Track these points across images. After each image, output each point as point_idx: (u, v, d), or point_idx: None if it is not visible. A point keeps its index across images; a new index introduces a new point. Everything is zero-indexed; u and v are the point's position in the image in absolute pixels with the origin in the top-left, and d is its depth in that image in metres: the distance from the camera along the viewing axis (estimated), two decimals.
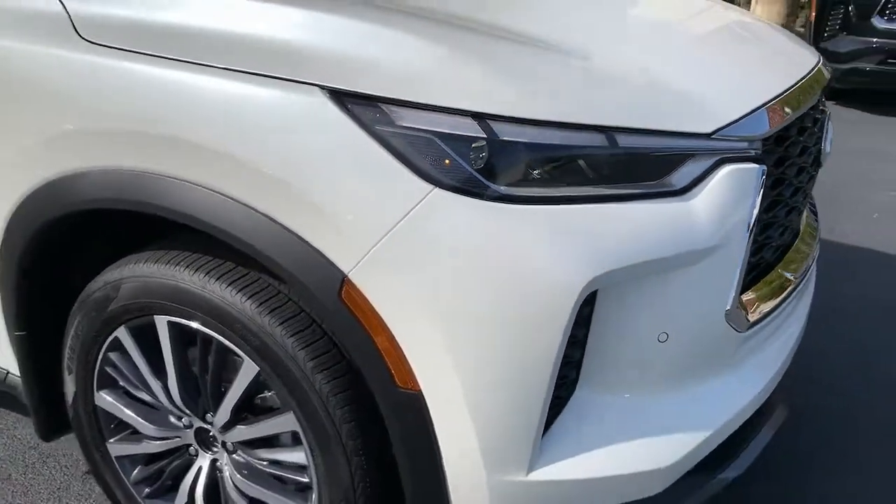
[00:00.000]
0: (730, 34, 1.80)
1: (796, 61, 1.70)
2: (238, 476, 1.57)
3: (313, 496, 1.48)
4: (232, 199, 1.30)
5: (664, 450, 1.40)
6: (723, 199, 1.33)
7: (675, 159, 1.31)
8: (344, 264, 1.26)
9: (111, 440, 1.71)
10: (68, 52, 1.40)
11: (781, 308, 1.59)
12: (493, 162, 1.22)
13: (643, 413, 1.40)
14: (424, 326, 1.25)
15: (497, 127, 1.22)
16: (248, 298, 1.39)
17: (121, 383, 1.65)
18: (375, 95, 1.23)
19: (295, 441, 1.50)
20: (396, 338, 1.27)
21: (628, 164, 1.29)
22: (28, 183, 1.49)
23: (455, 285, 1.23)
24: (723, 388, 1.47)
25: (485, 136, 1.21)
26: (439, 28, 1.37)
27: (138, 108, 1.33)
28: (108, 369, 1.63)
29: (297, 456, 1.48)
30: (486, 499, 1.34)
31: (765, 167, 1.38)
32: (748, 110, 1.40)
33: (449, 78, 1.24)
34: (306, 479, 1.49)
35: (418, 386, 1.29)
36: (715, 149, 1.33)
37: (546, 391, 1.27)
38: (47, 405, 1.79)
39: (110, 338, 1.58)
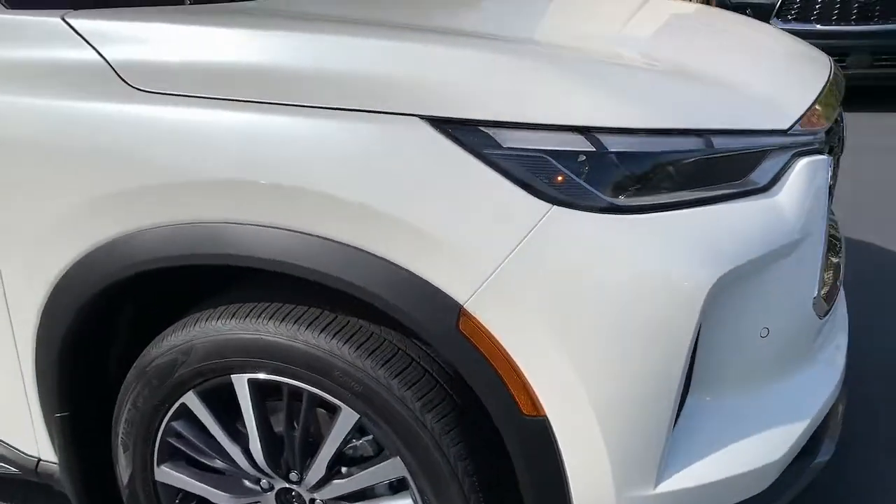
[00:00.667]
0: (755, 36, 1.87)
1: (818, 58, 1.78)
2: None
3: None
4: (334, 240, 1.24)
5: (772, 444, 1.41)
6: (803, 191, 1.37)
7: (756, 157, 1.34)
8: (460, 294, 1.22)
9: None
10: (120, 103, 1.32)
11: (838, 293, 1.65)
12: (603, 174, 1.22)
13: (749, 410, 1.41)
14: (548, 348, 1.23)
15: (604, 139, 1.21)
16: (345, 343, 1.33)
17: (187, 453, 1.54)
18: (479, 119, 1.21)
19: (394, 488, 1.44)
20: (518, 364, 1.24)
21: (720, 166, 1.31)
22: (79, 247, 1.38)
23: (578, 303, 1.21)
24: (812, 377, 1.50)
25: (594, 149, 1.21)
26: (528, 49, 1.36)
27: (220, 157, 1.26)
28: (172, 440, 1.52)
29: (402, 503, 1.42)
30: None
31: (831, 157, 1.43)
32: (808, 105, 1.45)
33: (550, 95, 1.24)
34: None
35: (544, 411, 1.26)
36: (790, 144, 1.37)
37: (674, 401, 1.27)
38: (91, 490, 1.65)
39: (176, 405, 1.47)
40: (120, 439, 1.54)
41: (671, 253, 1.22)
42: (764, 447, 1.40)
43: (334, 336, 1.34)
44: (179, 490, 1.59)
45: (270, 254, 1.26)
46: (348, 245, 1.24)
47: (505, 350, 1.23)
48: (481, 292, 1.21)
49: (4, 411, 1.65)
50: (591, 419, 1.25)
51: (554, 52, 1.37)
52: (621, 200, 1.22)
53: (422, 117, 1.21)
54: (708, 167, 1.30)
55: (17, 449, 1.69)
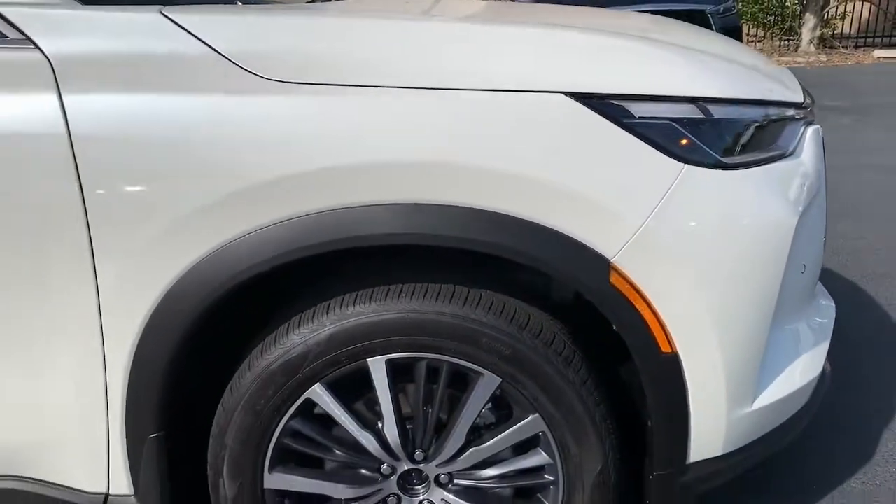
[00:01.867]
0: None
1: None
2: None
3: (558, 490, 1.51)
4: (496, 212, 1.33)
5: (814, 360, 1.71)
6: (814, 153, 1.68)
7: (781, 125, 1.64)
8: (608, 251, 1.37)
9: None
10: (256, 95, 1.31)
11: None
12: (711, 137, 1.43)
13: (796, 335, 1.70)
14: (683, 292, 1.41)
15: (710, 108, 1.43)
16: (488, 311, 1.42)
17: (299, 454, 1.51)
18: (611, 94, 1.37)
19: (517, 450, 1.53)
20: (657, 308, 1.41)
21: (765, 132, 1.58)
22: (208, 244, 1.34)
23: (708, 248, 1.41)
24: (822, 305, 1.84)
25: (703, 116, 1.42)
26: (639, 36, 1.55)
27: (382, 141, 1.31)
28: (287, 440, 1.49)
29: (534, 459, 1.52)
30: (721, 434, 1.52)
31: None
32: (797, 82, 1.78)
33: (664, 72, 1.43)
34: (547, 478, 1.52)
35: (676, 348, 1.44)
36: (803, 115, 1.69)
37: (769, 327, 1.51)
38: None
39: (298, 402, 1.45)
40: (228, 450, 1.47)
41: (769, 199, 1.47)
42: (811, 363, 1.70)
43: (476, 306, 1.42)
44: (285, 496, 1.55)
45: (442, 230, 1.33)
46: (510, 215, 1.34)
47: (647, 297, 1.40)
48: (628, 247, 1.37)
49: (66, 447, 1.50)
50: (714, 352, 1.45)
51: (653, 42, 1.57)
52: (726, 159, 1.44)
53: (566, 94, 1.35)
54: (762, 133, 1.57)
55: (76, 489, 1.54)
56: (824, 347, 1.75)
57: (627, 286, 1.39)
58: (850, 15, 13.87)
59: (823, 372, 1.79)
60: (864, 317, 2.99)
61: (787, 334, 1.66)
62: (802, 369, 1.68)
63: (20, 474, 1.54)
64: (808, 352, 1.71)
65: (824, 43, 13.15)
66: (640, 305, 1.40)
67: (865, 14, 13.99)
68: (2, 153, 1.31)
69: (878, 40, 13.83)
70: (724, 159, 1.43)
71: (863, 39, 13.87)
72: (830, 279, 3.17)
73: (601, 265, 1.37)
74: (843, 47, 13.21)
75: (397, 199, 1.32)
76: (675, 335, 1.43)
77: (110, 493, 1.53)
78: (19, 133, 1.31)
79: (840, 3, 13.87)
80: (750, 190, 1.45)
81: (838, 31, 13.87)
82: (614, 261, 1.37)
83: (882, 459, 2.16)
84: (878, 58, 12.57)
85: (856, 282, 3.32)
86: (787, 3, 13.42)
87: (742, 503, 1.99)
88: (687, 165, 1.38)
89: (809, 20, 12.85)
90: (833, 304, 1.89)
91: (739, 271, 1.44)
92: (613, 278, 1.38)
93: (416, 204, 1.32)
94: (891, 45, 13.65)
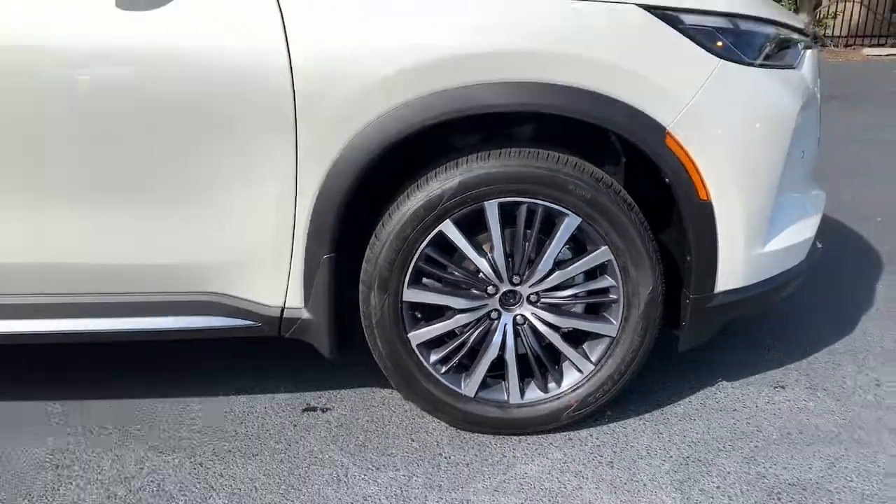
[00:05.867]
0: None
1: None
2: (546, 318, 2.07)
3: (619, 306, 2.05)
4: (586, 89, 1.87)
5: (810, 225, 2.27)
6: (811, 70, 2.23)
7: (787, 44, 2.18)
8: (666, 119, 1.91)
9: (412, 331, 2.07)
10: None
11: None
12: (739, 43, 1.98)
13: (795, 204, 2.24)
14: (718, 155, 1.95)
15: (738, 22, 1.98)
16: (573, 167, 1.96)
17: (428, 275, 2.05)
18: (674, 7, 1.91)
19: (589, 276, 2.07)
20: (698, 165, 1.95)
21: (780, 47, 2.12)
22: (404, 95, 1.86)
23: (738, 122, 1.96)
24: (815, 192, 2.39)
25: (733, 27, 1.97)
26: None
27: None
28: (422, 264, 2.01)
29: (602, 282, 2.05)
30: (740, 267, 2.06)
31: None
32: (799, 18, 2.33)
33: None
34: (611, 297, 2.06)
35: (710, 198, 1.98)
36: (805, 40, 2.24)
37: (777, 187, 2.06)
38: (338, 323, 2.08)
39: (432, 234, 1.98)
40: (379, 270, 2.00)
41: (782, 91, 2.03)
42: (805, 226, 2.25)
43: (565, 164, 1.96)
44: (415, 307, 2.07)
45: (551, 100, 1.87)
46: (594, 92, 1.87)
47: (692, 157, 1.94)
48: (679, 118, 1.91)
49: (254, 269, 2.02)
50: (737, 201, 1.99)
51: None
52: (749, 59, 1.98)
53: (636, 5, 1.89)
54: (775, 47, 2.11)
55: (260, 303, 2.06)
56: (817, 218, 2.31)
57: (678, 147, 1.93)
58: (842, 15, 14.52)
59: (815, 243, 2.35)
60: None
61: (790, 200, 2.20)
62: (800, 228, 2.23)
63: (219, 290, 2.06)
64: (806, 218, 2.27)
65: (816, 41, 13.77)
66: (686, 162, 1.94)
67: (856, 17, 14.65)
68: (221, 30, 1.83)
69: (867, 40, 14.50)
70: (747, 59, 1.98)
71: (853, 39, 14.53)
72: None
73: (659, 130, 1.91)
74: (833, 45, 13.84)
75: (517, 77, 1.86)
76: (710, 186, 1.97)
77: (286, 305, 2.06)
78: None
79: (832, 3, 14.50)
80: (766, 84, 2.01)
81: (829, 31, 14.52)
82: (669, 128, 1.91)
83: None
84: (867, 56, 13.21)
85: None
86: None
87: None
88: (722, 61, 1.93)
89: (802, 19, 13.50)
90: (823, 194, 2.44)
91: (758, 142, 1.99)
92: (668, 141, 1.92)
93: (540, 83, 1.86)
94: (879, 45, 14.31)
